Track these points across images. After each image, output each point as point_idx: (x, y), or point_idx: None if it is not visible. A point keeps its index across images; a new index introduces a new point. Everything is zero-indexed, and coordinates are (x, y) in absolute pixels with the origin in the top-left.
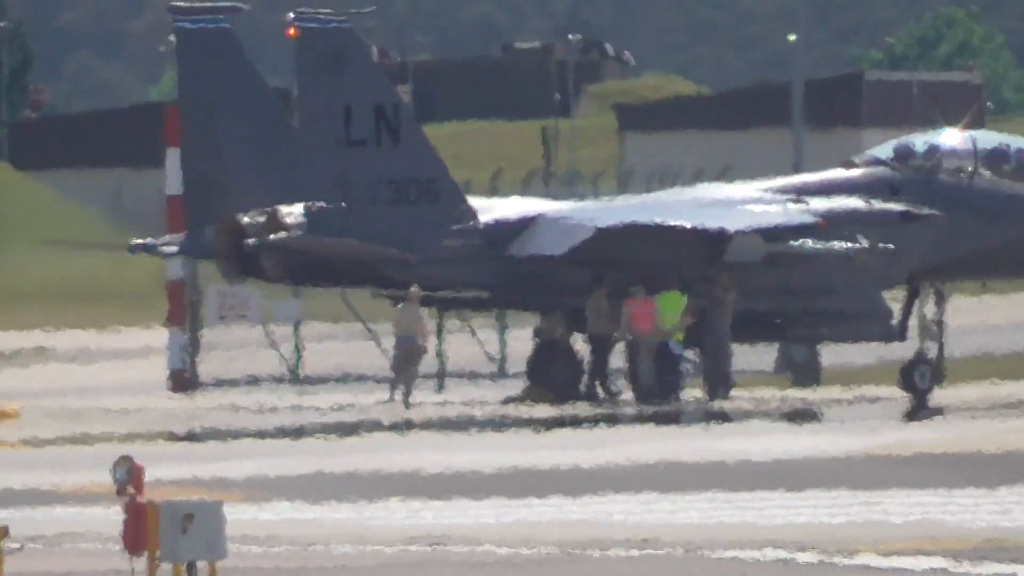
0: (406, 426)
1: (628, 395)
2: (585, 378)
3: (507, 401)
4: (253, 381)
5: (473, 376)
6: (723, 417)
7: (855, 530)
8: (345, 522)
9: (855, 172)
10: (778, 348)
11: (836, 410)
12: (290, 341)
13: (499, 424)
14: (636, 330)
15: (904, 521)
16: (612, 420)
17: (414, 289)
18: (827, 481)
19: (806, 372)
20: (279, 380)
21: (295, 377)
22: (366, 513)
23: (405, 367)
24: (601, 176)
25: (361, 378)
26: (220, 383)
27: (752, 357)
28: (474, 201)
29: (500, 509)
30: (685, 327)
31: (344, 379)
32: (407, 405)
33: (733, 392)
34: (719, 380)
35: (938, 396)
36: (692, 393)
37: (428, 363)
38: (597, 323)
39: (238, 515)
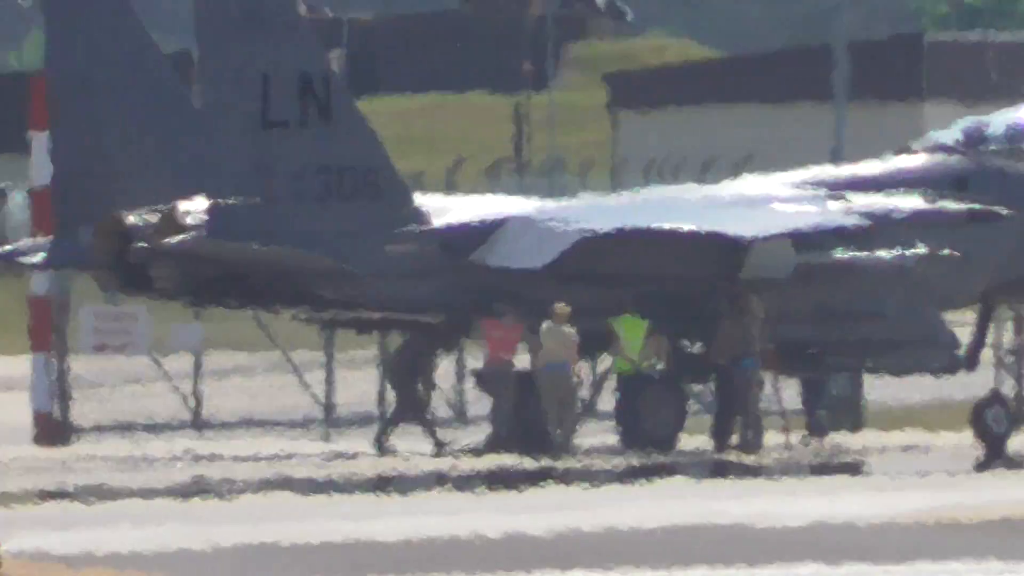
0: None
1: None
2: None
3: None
4: (131, 428)
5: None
6: (740, 471)
7: None
8: None
9: (913, 160)
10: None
11: (885, 460)
12: (188, 376)
13: (464, 483)
14: (492, 356)
15: None
16: (589, 476)
17: (560, 305)
18: (873, 552)
19: (845, 410)
20: (174, 426)
21: (196, 421)
22: None
23: (561, 405)
24: (589, 167)
25: (286, 422)
26: (98, 429)
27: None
28: (426, 199)
29: None
30: (661, 356)
31: (259, 423)
32: (568, 448)
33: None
34: (750, 426)
35: (1018, 443)
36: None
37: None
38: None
39: None
